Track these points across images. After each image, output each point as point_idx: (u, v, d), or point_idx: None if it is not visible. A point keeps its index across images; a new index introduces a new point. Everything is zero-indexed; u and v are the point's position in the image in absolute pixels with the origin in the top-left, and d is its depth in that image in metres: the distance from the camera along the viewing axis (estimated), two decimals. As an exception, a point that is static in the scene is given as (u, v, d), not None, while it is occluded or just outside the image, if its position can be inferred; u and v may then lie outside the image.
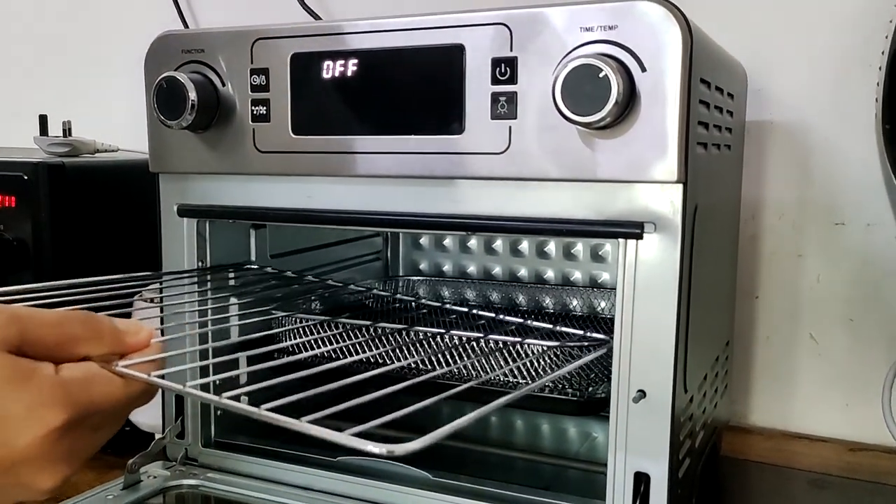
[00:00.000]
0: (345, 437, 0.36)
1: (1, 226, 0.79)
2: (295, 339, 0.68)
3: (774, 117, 0.82)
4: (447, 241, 0.91)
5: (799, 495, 0.73)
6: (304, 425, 0.37)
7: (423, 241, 0.92)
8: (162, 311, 0.66)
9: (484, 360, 0.61)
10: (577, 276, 0.86)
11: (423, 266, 0.93)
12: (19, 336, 0.37)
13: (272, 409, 0.38)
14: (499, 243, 0.89)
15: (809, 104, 0.81)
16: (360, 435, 0.35)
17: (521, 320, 0.67)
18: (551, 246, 0.86)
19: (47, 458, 0.36)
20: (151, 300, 0.78)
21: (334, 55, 0.56)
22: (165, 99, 0.59)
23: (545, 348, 0.59)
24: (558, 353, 0.59)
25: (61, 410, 0.36)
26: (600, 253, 0.85)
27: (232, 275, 0.69)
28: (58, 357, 0.38)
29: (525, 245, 0.87)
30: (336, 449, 0.62)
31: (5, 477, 0.36)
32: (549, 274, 0.87)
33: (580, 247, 0.85)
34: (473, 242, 0.90)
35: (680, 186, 0.49)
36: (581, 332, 0.62)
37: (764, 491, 0.74)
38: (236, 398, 0.40)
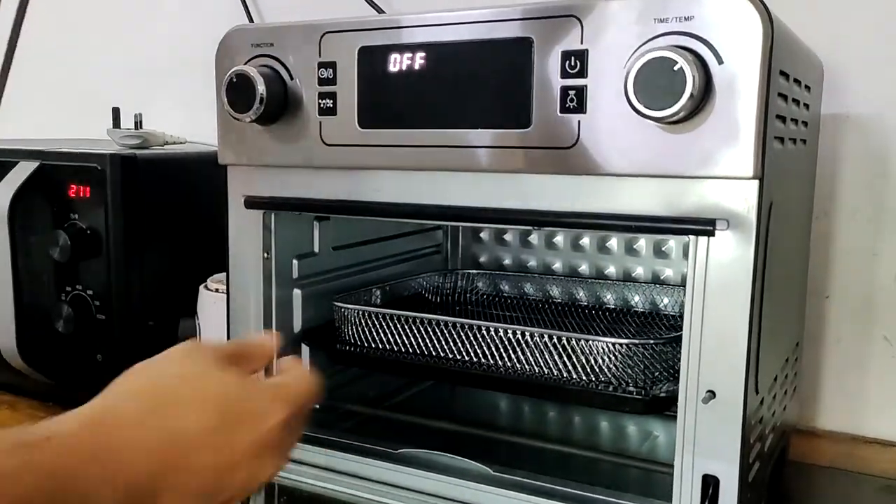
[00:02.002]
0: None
1: (76, 215, 0.82)
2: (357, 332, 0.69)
3: (850, 111, 0.80)
4: (507, 236, 0.91)
5: (869, 502, 0.71)
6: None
7: (484, 234, 0.92)
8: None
9: (547, 357, 0.61)
10: (638, 271, 0.85)
11: (482, 260, 0.93)
12: (219, 354, 0.46)
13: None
14: (559, 238, 0.88)
15: (887, 97, 0.78)
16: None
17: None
18: (613, 241, 0.85)
19: (276, 446, 0.44)
20: (216, 290, 0.80)
21: (401, 48, 0.56)
22: (235, 92, 0.60)
23: (611, 345, 0.58)
24: (624, 350, 0.58)
25: (284, 406, 0.44)
26: (663, 249, 0.83)
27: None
28: (247, 369, 0.48)
29: (586, 240, 0.86)
30: (398, 441, 0.63)
31: (255, 461, 0.43)
32: (611, 269, 0.86)
33: (643, 242, 0.84)
34: (534, 237, 0.89)
35: (756, 182, 0.47)
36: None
37: (833, 497, 0.71)
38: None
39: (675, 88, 0.45)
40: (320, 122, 0.60)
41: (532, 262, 0.89)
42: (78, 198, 0.82)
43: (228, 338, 0.68)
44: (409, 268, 0.86)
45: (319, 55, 0.59)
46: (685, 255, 0.82)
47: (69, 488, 0.36)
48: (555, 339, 0.60)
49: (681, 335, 0.51)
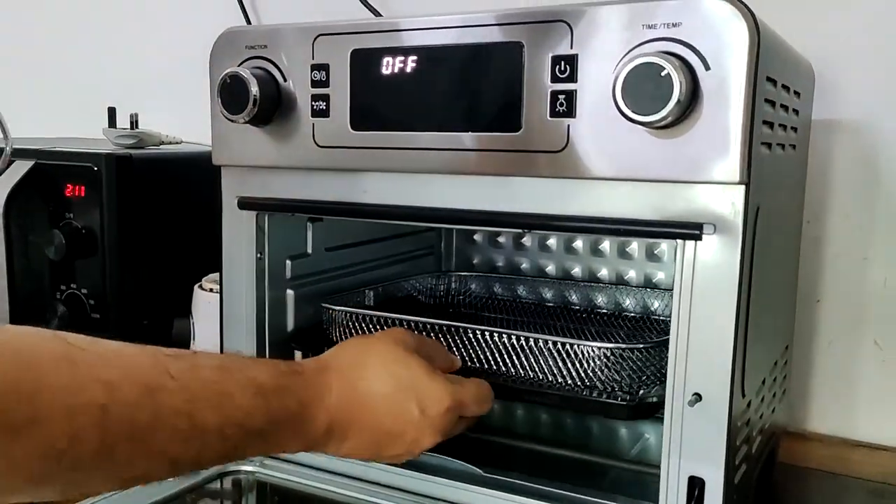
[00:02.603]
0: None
1: (71, 214, 0.82)
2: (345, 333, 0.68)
3: (842, 115, 0.80)
4: (501, 238, 0.91)
5: (858, 505, 0.71)
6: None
7: (477, 237, 0.92)
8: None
9: (533, 361, 0.60)
10: (631, 274, 0.85)
11: (476, 261, 0.93)
12: (418, 348, 0.57)
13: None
14: (553, 241, 0.88)
15: (879, 102, 0.79)
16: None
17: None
18: (606, 244, 0.85)
19: (436, 427, 0.54)
20: (211, 290, 0.80)
21: (394, 52, 0.57)
22: (229, 94, 0.60)
23: (598, 350, 0.58)
24: (610, 354, 0.58)
25: (450, 397, 0.55)
26: (655, 252, 0.83)
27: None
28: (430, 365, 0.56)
29: (579, 243, 0.87)
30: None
31: (418, 431, 0.54)
32: (603, 272, 0.86)
33: (635, 246, 0.84)
34: (527, 239, 0.89)
35: (742, 188, 0.48)
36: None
37: (822, 499, 0.72)
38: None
39: (663, 94, 0.46)
40: (313, 124, 0.60)
41: (525, 265, 0.90)
42: (73, 197, 0.82)
43: (221, 338, 0.68)
44: (402, 269, 0.87)
45: (313, 57, 0.60)
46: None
47: (302, 413, 0.50)
48: (540, 343, 0.60)
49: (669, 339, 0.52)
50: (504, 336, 0.61)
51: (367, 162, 0.59)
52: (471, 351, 0.63)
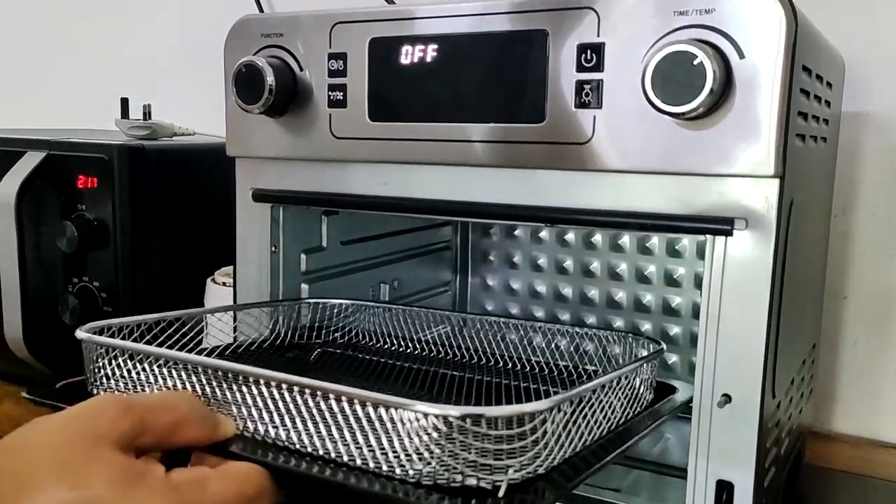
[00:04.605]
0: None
1: (83, 206, 0.81)
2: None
3: (871, 109, 0.78)
4: (518, 232, 0.89)
5: (885, 508, 0.70)
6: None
7: (493, 230, 0.91)
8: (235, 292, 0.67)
9: (336, 430, 0.39)
10: (651, 270, 0.83)
11: (492, 256, 0.91)
12: (134, 427, 0.36)
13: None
14: (571, 235, 0.86)
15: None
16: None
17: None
18: (626, 239, 0.84)
19: None
20: (223, 283, 0.79)
21: (413, 40, 0.55)
22: (244, 84, 0.59)
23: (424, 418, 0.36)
24: (444, 426, 0.36)
25: None
26: (676, 248, 0.82)
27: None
28: (169, 442, 0.38)
29: (598, 238, 0.85)
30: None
31: None
32: (623, 267, 0.84)
33: (655, 241, 0.83)
34: (545, 234, 0.88)
35: (776, 181, 0.46)
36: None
37: (848, 502, 0.70)
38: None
39: (695, 83, 0.44)
40: (330, 115, 0.59)
41: (542, 260, 0.88)
42: (85, 188, 0.81)
43: (235, 332, 0.67)
44: (417, 264, 0.85)
45: (330, 46, 0.58)
46: (699, 254, 0.80)
47: None
48: (343, 403, 0.38)
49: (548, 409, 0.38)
50: (293, 390, 0.40)
51: (384, 154, 0.57)
52: (251, 410, 0.42)
